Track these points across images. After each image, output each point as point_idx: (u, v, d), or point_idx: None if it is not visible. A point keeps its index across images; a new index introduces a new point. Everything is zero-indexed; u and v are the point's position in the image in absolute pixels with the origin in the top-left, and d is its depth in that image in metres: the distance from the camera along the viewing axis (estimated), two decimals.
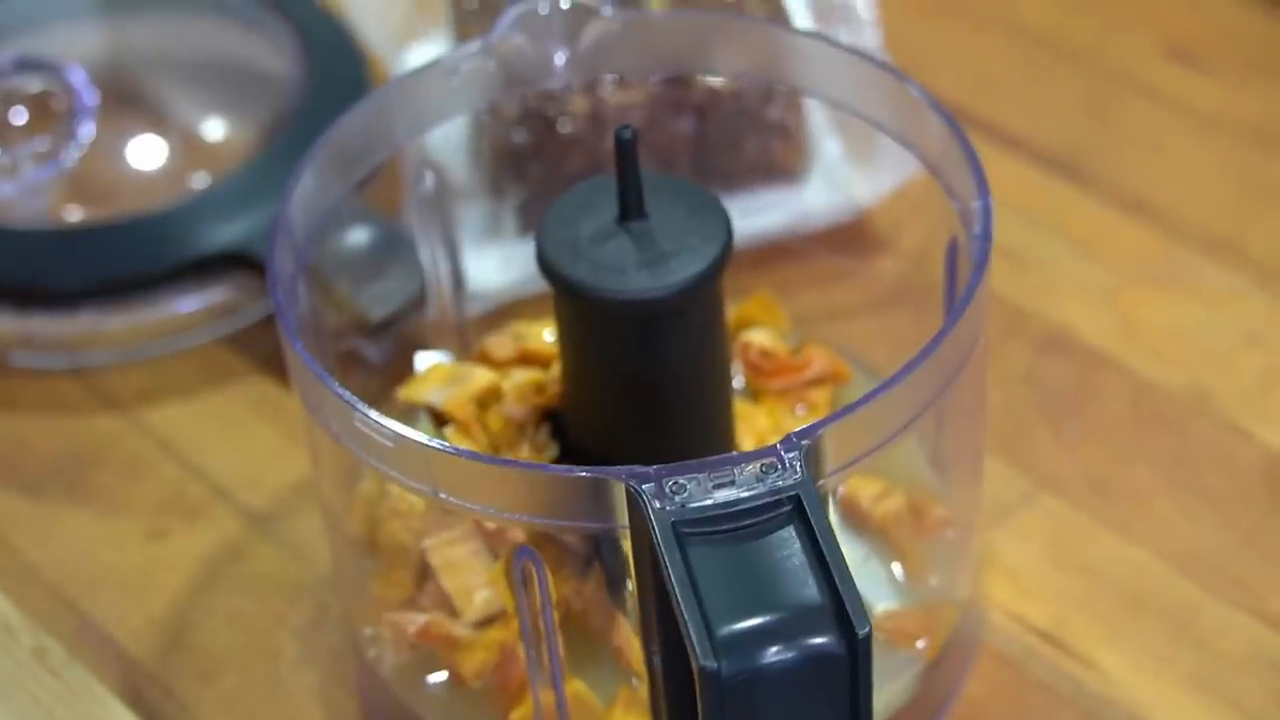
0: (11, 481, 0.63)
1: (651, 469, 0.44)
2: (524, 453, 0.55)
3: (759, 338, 0.59)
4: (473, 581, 0.53)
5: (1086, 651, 0.57)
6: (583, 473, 0.45)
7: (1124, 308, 0.66)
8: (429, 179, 0.59)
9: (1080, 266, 0.67)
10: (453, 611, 0.53)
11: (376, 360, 0.62)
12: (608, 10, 0.56)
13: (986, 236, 0.49)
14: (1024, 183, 0.70)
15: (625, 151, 0.50)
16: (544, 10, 0.56)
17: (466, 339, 0.63)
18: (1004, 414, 0.62)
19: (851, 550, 0.56)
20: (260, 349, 0.66)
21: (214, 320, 0.66)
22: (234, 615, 0.59)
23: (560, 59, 0.56)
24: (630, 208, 0.50)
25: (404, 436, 0.46)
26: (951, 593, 0.56)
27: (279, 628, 0.59)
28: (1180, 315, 0.65)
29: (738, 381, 0.58)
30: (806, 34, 0.56)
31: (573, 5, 0.56)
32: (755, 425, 0.57)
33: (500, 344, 0.58)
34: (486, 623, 0.53)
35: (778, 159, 0.68)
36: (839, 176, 0.68)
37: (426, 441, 0.46)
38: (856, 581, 0.55)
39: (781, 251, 0.66)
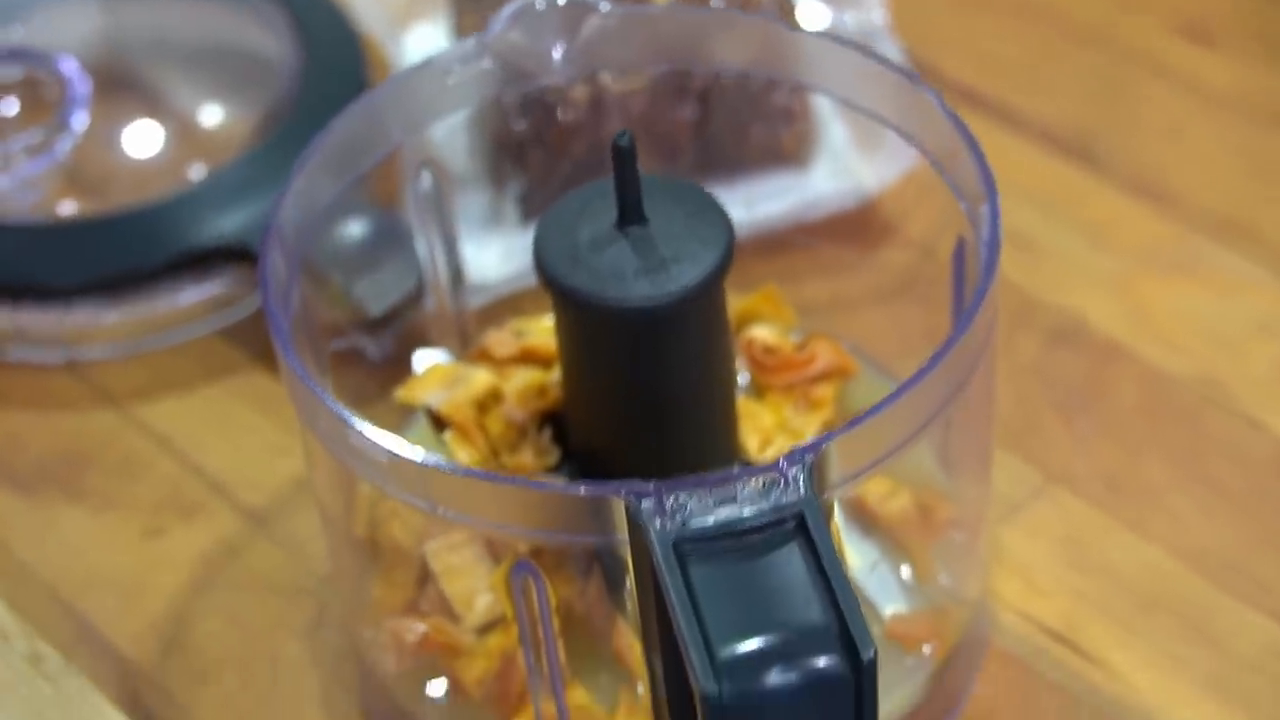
0: (6, 479, 0.62)
1: (651, 485, 0.43)
2: (525, 457, 0.54)
3: (763, 334, 0.58)
4: (474, 586, 0.52)
5: (1098, 652, 0.56)
6: (581, 489, 0.44)
7: (1135, 296, 0.65)
8: (426, 178, 0.58)
9: (1091, 253, 0.66)
10: (453, 616, 0.52)
11: (375, 356, 0.61)
12: (605, 5, 0.54)
13: (995, 242, 0.48)
14: (1034, 167, 0.69)
15: (623, 157, 0.48)
16: (541, 6, 0.54)
17: (466, 333, 0.62)
18: (1014, 406, 0.61)
19: (859, 551, 0.55)
20: (258, 341, 0.65)
21: (211, 313, 0.65)
22: (233, 616, 0.58)
23: (557, 55, 0.55)
24: (629, 213, 0.49)
25: (399, 454, 0.45)
26: (961, 593, 0.55)
27: (278, 628, 0.58)
28: (1193, 303, 0.64)
29: (742, 378, 0.57)
30: (810, 31, 0.55)
31: (569, 1, 0.54)
32: (760, 423, 0.56)
33: (501, 341, 0.58)
34: (488, 628, 0.52)
35: (784, 145, 0.67)
36: (846, 163, 0.67)
37: (422, 458, 0.45)
38: (863, 585, 0.54)
39: (787, 240, 0.65)
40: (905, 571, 0.55)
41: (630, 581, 0.51)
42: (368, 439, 0.46)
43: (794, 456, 0.44)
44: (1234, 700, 0.54)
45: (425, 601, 0.53)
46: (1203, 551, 0.58)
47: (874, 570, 0.55)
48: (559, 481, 0.52)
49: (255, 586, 0.59)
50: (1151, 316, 0.64)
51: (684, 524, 0.43)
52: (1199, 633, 0.56)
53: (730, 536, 0.43)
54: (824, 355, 0.57)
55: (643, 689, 0.51)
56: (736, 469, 0.44)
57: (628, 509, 0.44)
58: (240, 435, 0.63)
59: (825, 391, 0.57)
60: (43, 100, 0.68)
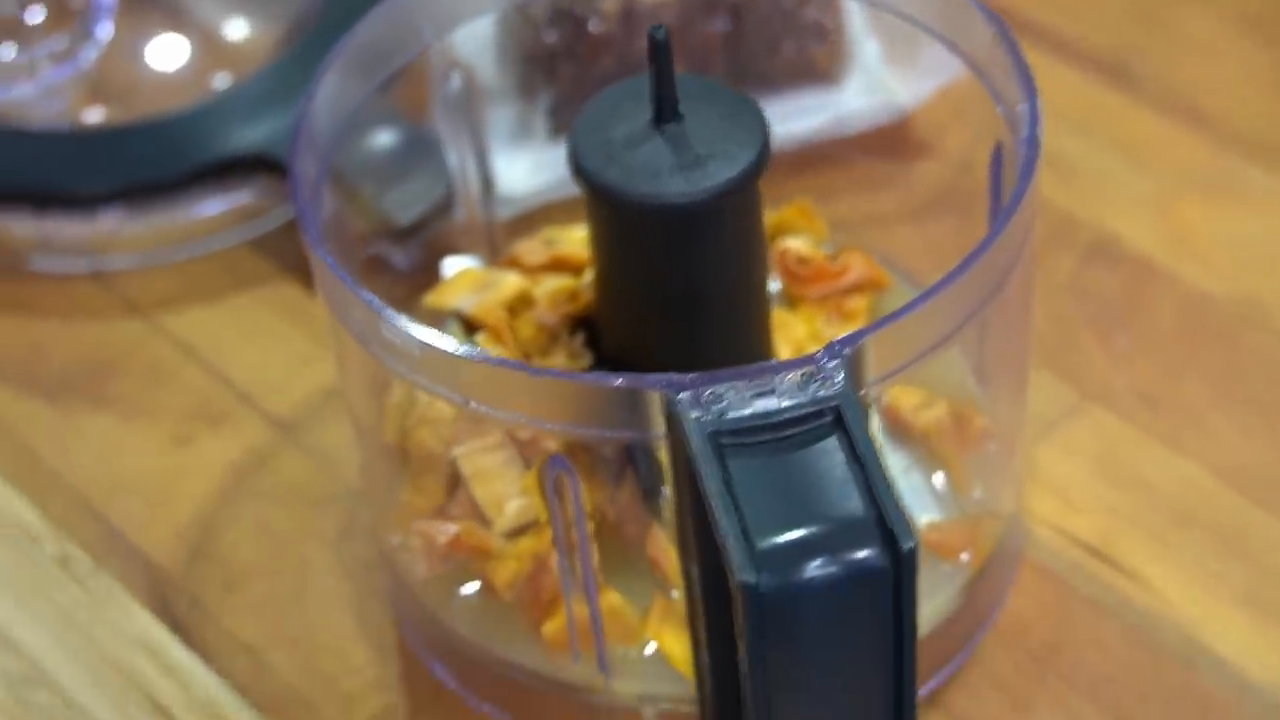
0: (33, 387, 0.62)
1: (689, 377, 0.43)
2: (557, 360, 0.53)
3: (796, 244, 0.57)
4: (504, 490, 0.52)
5: (1133, 566, 0.55)
6: (618, 381, 0.44)
7: (1173, 216, 0.64)
8: (456, 79, 0.57)
9: (1129, 173, 0.65)
10: (483, 521, 0.52)
11: (403, 266, 0.61)
12: None
13: (1034, 141, 0.48)
14: (1072, 87, 0.68)
15: (659, 51, 0.48)
16: None
17: (496, 244, 0.61)
18: (1050, 324, 0.61)
19: (894, 460, 0.55)
20: (285, 253, 0.65)
21: (238, 223, 0.65)
22: (261, 524, 0.58)
23: None
24: (665, 110, 0.48)
25: (431, 344, 0.45)
26: (995, 505, 0.55)
27: (307, 537, 0.58)
28: (1230, 223, 0.63)
29: (774, 288, 0.57)
30: None
31: None
32: (793, 333, 0.55)
33: (531, 250, 0.57)
34: (518, 532, 0.52)
35: (815, 61, 0.66)
36: (879, 79, 0.66)
37: (455, 349, 0.45)
38: (899, 493, 0.54)
39: (820, 157, 0.65)
40: (939, 481, 0.54)
41: (665, 486, 0.51)
42: (400, 330, 0.45)
43: (831, 350, 0.44)
44: (1269, 614, 0.54)
45: (455, 507, 0.52)
46: (1240, 468, 0.57)
47: (906, 476, 0.54)
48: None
49: (283, 495, 0.59)
50: (1188, 236, 0.63)
51: (721, 416, 0.42)
52: (1235, 548, 0.55)
53: (767, 429, 0.42)
54: (857, 266, 0.57)
55: (677, 594, 0.51)
56: (774, 363, 0.43)
57: (664, 401, 0.43)
58: (268, 344, 0.63)
59: (858, 303, 0.57)
60: (67, 9, 0.68)
